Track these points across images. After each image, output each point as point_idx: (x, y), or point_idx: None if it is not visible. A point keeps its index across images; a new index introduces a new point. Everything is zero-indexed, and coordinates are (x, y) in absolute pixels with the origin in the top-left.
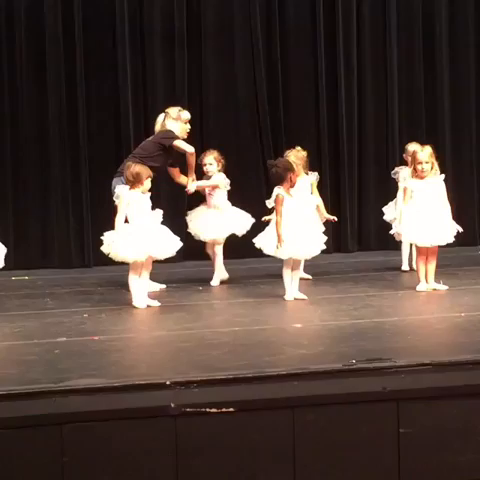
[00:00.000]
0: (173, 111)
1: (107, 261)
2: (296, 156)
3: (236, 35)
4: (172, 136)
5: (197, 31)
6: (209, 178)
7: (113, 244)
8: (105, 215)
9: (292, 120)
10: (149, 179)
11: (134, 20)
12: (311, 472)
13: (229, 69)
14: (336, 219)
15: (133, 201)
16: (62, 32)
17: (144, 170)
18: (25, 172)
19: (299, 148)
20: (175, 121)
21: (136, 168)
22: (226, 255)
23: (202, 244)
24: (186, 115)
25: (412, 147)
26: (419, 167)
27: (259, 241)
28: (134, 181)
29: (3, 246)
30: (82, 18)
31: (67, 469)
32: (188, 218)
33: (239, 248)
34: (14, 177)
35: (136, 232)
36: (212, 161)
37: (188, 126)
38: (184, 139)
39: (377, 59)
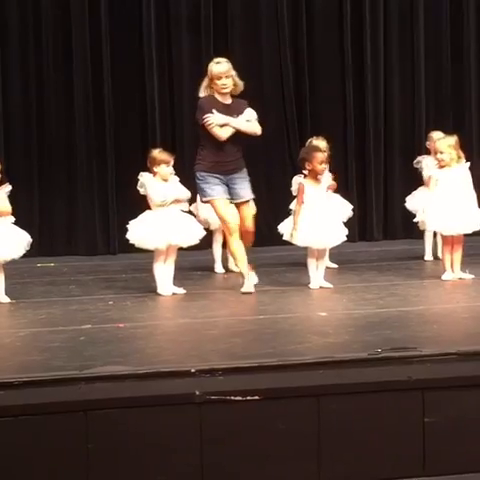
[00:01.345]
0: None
1: (132, 248)
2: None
3: (262, 24)
4: (199, 108)
5: (223, 20)
6: None
7: (135, 231)
8: (131, 202)
9: (318, 110)
10: (162, 165)
11: (160, 7)
12: (336, 461)
13: (255, 59)
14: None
15: (151, 188)
16: (88, 20)
17: (155, 156)
18: (51, 159)
19: (320, 137)
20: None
21: (150, 154)
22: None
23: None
24: (214, 68)
25: (435, 135)
26: (438, 156)
27: (282, 227)
28: (149, 168)
29: (27, 235)
30: (108, 5)
31: (92, 456)
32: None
33: (264, 236)
34: (40, 164)
35: (157, 220)
36: None
37: (220, 82)
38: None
39: (404, 46)
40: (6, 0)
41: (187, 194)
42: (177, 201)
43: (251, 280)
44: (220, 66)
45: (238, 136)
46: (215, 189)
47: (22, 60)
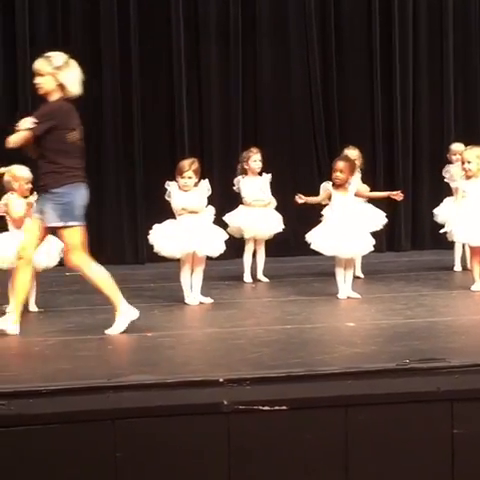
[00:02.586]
0: None
1: (160, 258)
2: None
3: (291, 32)
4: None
5: (252, 28)
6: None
7: (156, 236)
8: (159, 211)
9: (346, 118)
10: (178, 176)
11: (188, 10)
12: (364, 472)
13: (284, 67)
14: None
15: (174, 196)
16: (117, 26)
17: (180, 165)
18: None
19: (351, 147)
20: None
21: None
22: (279, 252)
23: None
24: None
25: (456, 147)
26: (465, 166)
27: (310, 237)
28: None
29: (60, 243)
30: (138, 12)
31: (120, 464)
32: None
33: (292, 245)
34: None
35: (178, 228)
36: (260, 158)
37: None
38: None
39: (433, 48)
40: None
41: (200, 204)
42: (190, 211)
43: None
44: (34, 63)
45: (43, 145)
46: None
47: None
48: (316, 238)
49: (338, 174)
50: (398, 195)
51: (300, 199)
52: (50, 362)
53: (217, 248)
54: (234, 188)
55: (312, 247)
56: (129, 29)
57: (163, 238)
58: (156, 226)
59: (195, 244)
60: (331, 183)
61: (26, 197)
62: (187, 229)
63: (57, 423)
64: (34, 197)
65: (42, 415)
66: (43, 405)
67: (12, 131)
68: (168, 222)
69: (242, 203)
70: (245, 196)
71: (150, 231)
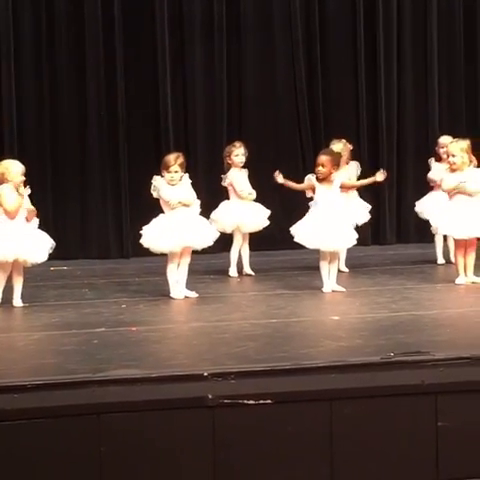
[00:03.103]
0: None
1: (145, 252)
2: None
3: (276, 30)
4: None
5: (236, 26)
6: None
7: (149, 236)
8: (144, 206)
9: (331, 115)
10: (164, 171)
11: (173, 8)
12: (348, 465)
13: (268, 64)
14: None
15: (164, 191)
16: (101, 24)
17: (166, 159)
18: (64, 163)
19: (336, 140)
20: None
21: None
22: (264, 246)
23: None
24: None
25: (443, 139)
26: (450, 159)
27: (294, 229)
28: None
29: (50, 239)
30: (122, 10)
31: (105, 459)
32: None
33: (276, 239)
34: (53, 167)
35: (171, 223)
36: (244, 152)
37: None
38: None
39: (417, 45)
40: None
41: (191, 197)
42: (184, 204)
43: None
44: None
45: None
46: None
47: (35, 65)
48: (300, 231)
49: (320, 168)
50: (382, 174)
51: (279, 177)
52: (35, 357)
53: (209, 241)
54: (224, 184)
55: (296, 240)
56: (113, 27)
57: (158, 234)
58: (149, 226)
59: (189, 238)
60: (314, 175)
61: (18, 190)
62: (180, 223)
63: (42, 418)
64: (27, 190)
65: (27, 410)
66: (28, 400)
67: None
68: (161, 217)
69: (228, 197)
70: (242, 189)
71: (142, 231)
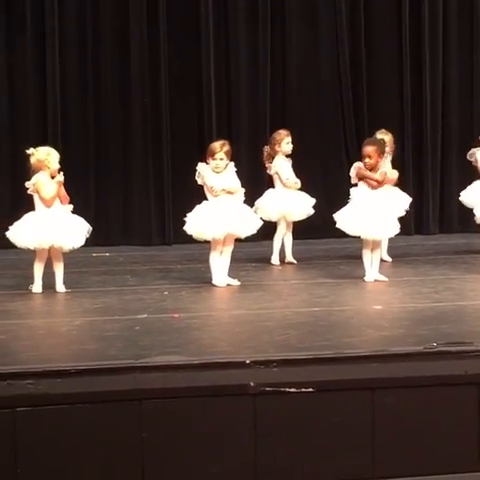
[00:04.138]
0: None
1: (187, 239)
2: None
3: (320, 14)
4: None
5: (281, 7)
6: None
7: (193, 223)
8: (186, 192)
9: (375, 103)
10: (210, 158)
11: None
12: (390, 454)
13: (312, 46)
14: None
15: (209, 178)
16: (146, 7)
17: (211, 147)
18: (107, 149)
19: (384, 130)
20: None
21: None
22: (306, 235)
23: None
24: None
25: None
26: None
27: (337, 216)
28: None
29: (87, 223)
30: None
31: (146, 445)
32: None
33: (319, 228)
34: (96, 154)
35: (214, 210)
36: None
37: None
38: None
39: (463, 36)
40: None
41: (235, 185)
42: (228, 192)
43: None
44: None
45: None
46: None
47: (79, 51)
48: (343, 218)
49: (367, 160)
50: None
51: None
52: (77, 342)
53: (253, 229)
54: (270, 172)
55: (338, 226)
56: (157, 11)
57: (201, 221)
58: (193, 213)
59: (233, 225)
60: (361, 164)
61: (53, 177)
62: (224, 210)
63: (84, 403)
64: (61, 176)
65: (69, 395)
66: (70, 385)
67: None
68: (204, 204)
69: (273, 186)
70: (288, 177)
71: (188, 215)
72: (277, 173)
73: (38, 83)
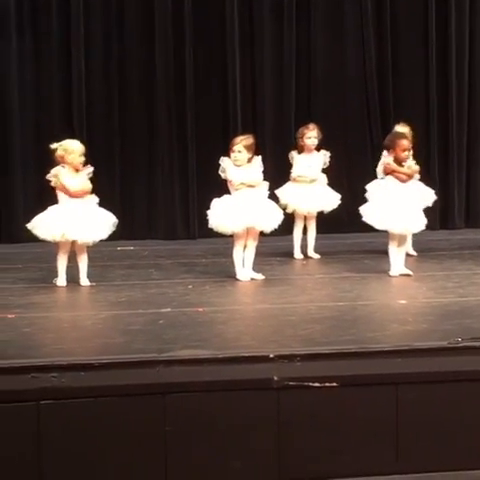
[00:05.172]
0: None
1: (212, 233)
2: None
3: (346, 10)
4: None
5: (307, 6)
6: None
7: (213, 216)
8: (211, 187)
9: (401, 93)
10: (230, 151)
11: None
12: (414, 450)
13: (337, 39)
14: None
15: (230, 172)
16: (171, 1)
17: (232, 139)
18: (132, 142)
19: (404, 123)
20: None
21: None
22: (331, 229)
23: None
24: None
25: None
26: None
27: (363, 210)
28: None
29: (112, 216)
30: None
31: (169, 438)
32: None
33: (344, 222)
34: (121, 147)
35: (235, 203)
36: (316, 135)
37: None
38: None
39: None
40: None
41: (258, 179)
42: (249, 185)
43: None
44: None
45: None
46: None
47: (104, 46)
48: (370, 211)
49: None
50: None
51: None
52: (102, 335)
53: (274, 223)
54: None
55: (364, 220)
56: (183, 9)
57: (222, 214)
58: (214, 202)
59: (254, 219)
60: (391, 158)
61: (78, 170)
62: (245, 204)
63: (108, 396)
64: (89, 169)
65: (93, 388)
66: (94, 378)
67: None
68: (225, 197)
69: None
70: (292, 171)
71: (210, 207)
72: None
73: (63, 78)
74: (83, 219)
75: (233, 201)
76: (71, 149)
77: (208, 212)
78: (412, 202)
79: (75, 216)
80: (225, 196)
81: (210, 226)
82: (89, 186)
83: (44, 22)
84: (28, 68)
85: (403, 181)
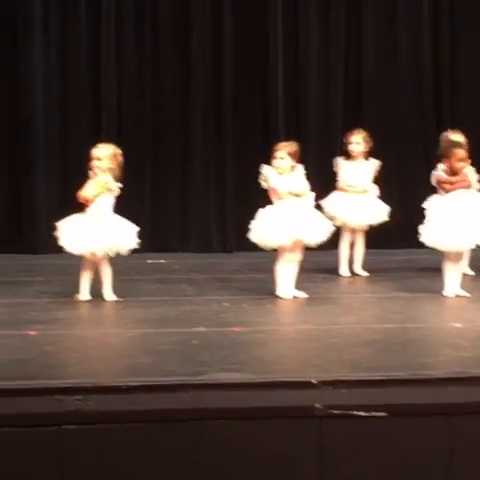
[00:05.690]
0: None
1: (250, 246)
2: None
3: (400, 10)
4: None
5: (358, 5)
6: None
7: (257, 229)
8: (250, 196)
9: (458, 103)
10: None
11: None
12: None
13: (391, 46)
14: None
15: (273, 180)
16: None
17: (275, 146)
18: (165, 147)
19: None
20: None
21: None
22: (381, 244)
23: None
24: None
25: None
26: None
27: (423, 229)
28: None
29: (134, 225)
30: None
31: (202, 469)
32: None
33: (394, 237)
34: (153, 153)
35: (281, 215)
36: (360, 140)
37: None
38: None
39: None
40: None
41: (303, 187)
42: (295, 195)
43: None
44: None
45: None
46: None
47: (137, 42)
48: (427, 231)
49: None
50: None
51: None
52: (129, 356)
53: (323, 236)
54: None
55: (422, 240)
56: (222, 2)
57: (268, 226)
58: (261, 213)
59: (302, 231)
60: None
61: (89, 177)
62: (292, 214)
63: (136, 422)
64: (107, 177)
65: (120, 413)
66: (122, 402)
67: None
68: (271, 208)
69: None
70: (339, 179)
71: (255, 218)
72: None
73: (92, 77)
74: (100, 229)
75: (278, 212)
76: (91, 153)
77: (253, 223)
78: (467, 215)
79: (91, 225)
80: (270, 206)
81: (253, 239)
82: (91, 193)
83: (72, 20)
84: (54, 66)
85: (446, 191)
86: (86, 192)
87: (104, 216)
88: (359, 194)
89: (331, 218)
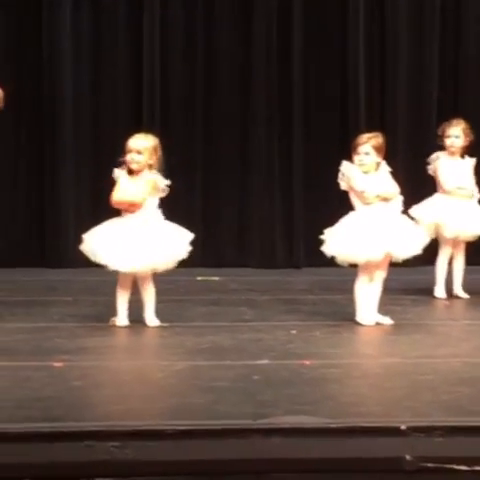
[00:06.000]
0: None
1: (322, 261)
2: None
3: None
4: None
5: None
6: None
7: (336, 240)
8: (321, 202)
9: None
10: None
11: None
12: None
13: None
14: None
15: (357, 180)
16: None
17: (357, 138)
18: (220, 145)
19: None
20: None
21: None
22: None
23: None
24: None
25: None
26: None
27: None
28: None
29: (188, 232)
30: None
31: None
32: None
33: None
34: (206, 150)
35: (366, 223)
36: (460, 133)
37: None
38: None
39: None
40: None
41: (393, 190)
42: (383, 198)
43: None
44: None
45: None
46: None
47: (186, 28)
48: None
49: None
50: None
51: None
52: (176, 394)
53: (416, 248)
54: (428, 170)
55: None
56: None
57: (350, 240)
58: (342, 222)
59: (392, 243)
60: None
61: (132, 173)
62: (381, 223)
63: (185, 474)
64: (151, 175)
65: (164, 463)
66: (167, 450)
67: None
68: (352, 216)
69: (436, 190)
70: (445, 181)
71: (325, 231)
72: (435, 173)
73: (131, 66)
74: (146, 239)
75: (363, 220)
76: (128, 145)
77: (328, 233)
78: None
79: (134, 235)
80: (351, 213)
81: (331, 252)
82: (141, 196)
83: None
84: (86, 55)
85: None
86: (133, 195)
87: (153, 223)
88: (466, 198)
89: (429, 227)
